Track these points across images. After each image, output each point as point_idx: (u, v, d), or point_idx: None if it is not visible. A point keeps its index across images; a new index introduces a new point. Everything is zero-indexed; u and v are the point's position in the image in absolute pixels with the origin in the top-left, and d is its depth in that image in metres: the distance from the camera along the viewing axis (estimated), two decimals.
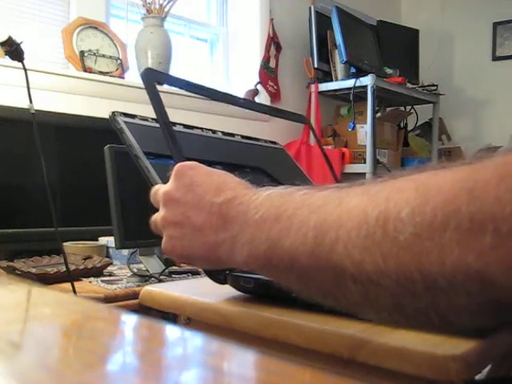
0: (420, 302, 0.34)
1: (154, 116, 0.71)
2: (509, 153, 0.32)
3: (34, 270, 1.15)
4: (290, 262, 0.39)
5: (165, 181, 0.59)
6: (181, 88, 0.69)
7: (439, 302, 0.33)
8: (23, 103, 1.04)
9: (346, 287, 0.36)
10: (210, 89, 0.73)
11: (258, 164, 0.82)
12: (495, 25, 3.35)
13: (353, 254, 0.35)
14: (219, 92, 0.74)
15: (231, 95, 0.76)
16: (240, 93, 2.62)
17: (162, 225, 0.49)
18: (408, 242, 0.33)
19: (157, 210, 0.52)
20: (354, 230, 0.35)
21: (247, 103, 0.78)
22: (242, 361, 0.28)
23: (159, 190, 0.51)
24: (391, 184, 0.36)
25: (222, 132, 0.80)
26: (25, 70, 0.99)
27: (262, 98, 2.67)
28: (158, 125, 0.69)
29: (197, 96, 2.30)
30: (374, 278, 0.34)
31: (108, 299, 1.07)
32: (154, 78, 0.62)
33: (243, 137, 0.84)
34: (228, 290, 0.54)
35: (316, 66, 2.72)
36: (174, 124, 0.73)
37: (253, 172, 0.80)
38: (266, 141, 0.91)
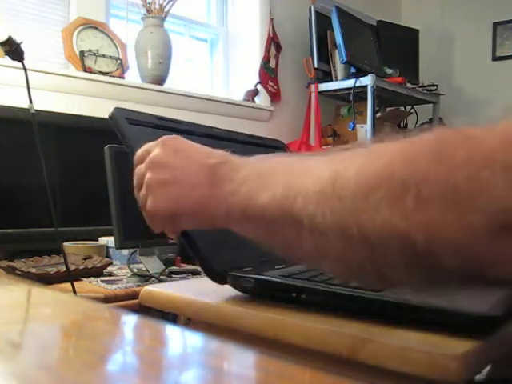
0: (359, 256, 0.37)
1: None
2: (445, 129, 0.36)
3: (34, 270, 1.15)
4: (261, 213, 0.43)
5: None
6: (151, 126, 0.69)
7: (375, 258, 0.36)
8: (23, 103, 1.04)
9: (303, 238, 0.40)
10: (183, 121, 0.73)
11: None
12: (495, 25, 3.35)
13: (308, 207, 0.39)
14: (192, 124, 0.74)
15: (206, 126, 0.76)
16: (240, 93, 2.62)
17: (148, 186, 0.49)
18: (349, 198, 0.36)
19: None
20: (311, 185, 0.39)
21: (223, 133, 0.78)
22: (242, 361, 0.28)
23: (145, 151, 0.52)
24: (351, 151, 0.40)
25: (220, 134, 0.79)
26: (25, 70, 1.00)
27: (262, 98, 2.67)
28: (158, 126, 0.68)
29: (197, 96, 2.30)
30: (323, 230, 0.38)
31: (108, 299, 1.07)
32: (123, 116, 0.63)
33: (243, 140, 0.83)
34: (228, 290, 0.54)
35: (316, 66, 2.72)
36: (178, 122, 0.73)
37: None
38: (266, 139, 0.91)
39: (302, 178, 0.40)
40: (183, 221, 0.49)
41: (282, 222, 0.41)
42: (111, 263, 1.37)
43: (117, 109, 0.64)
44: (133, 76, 2.13)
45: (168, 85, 2.17)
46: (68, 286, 1.01)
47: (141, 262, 1.28)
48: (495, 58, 3.37)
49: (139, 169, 0.52)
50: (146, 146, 0.52)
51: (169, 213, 0.49)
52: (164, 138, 0.51)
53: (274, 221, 0.42)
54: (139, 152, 0.53)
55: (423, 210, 0.33)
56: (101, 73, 1.95)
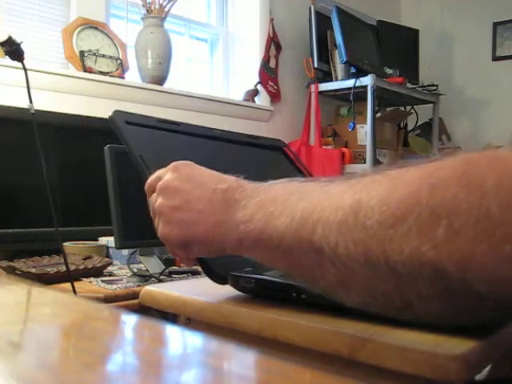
0: (385, 285, 0.37)
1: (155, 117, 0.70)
2: (469, 152, 0.35)
3: (33, 270, 1.15)
4: (278, 241, 0.41)
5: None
6: (152, 128, 0.68)
7: (402, 287, 0.36)
8: (23, 103, 1.04)
9: (325, 268, 0.39)
10: (184, 123, 0.73)
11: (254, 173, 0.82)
12: (495, 25, 3.35)
13: (329, 237, 0.38)
14: (193, 125, 0.74)
15: (207, 128, 0.76)
16: (240, 93, 2.62)
17: (159, 211, 0.48)
18: (374, 228, 0.35)
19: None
20: (331, 214, 0.38)
21: (224, 134, 0.78)
22: (242, 361, 0.28)
23: (156, 177, 0.50)
24: (370, 177, 0.39)
25: (220, 135, 0.79)
26: (25, 70, 0.99)
27: (262, 98, 2.67)
28: (159, 129, 0.68)
29: (197, 96, 2.30)
30: (346, 262, 0.37)
31: (108, 299, 1.07)
32: (123, 119, 0.63)
33: (242, 141, 0.83)
34: (228, 290, 0.54)
35: (316, 66, 2.72)
36: (178, 124, 0.72)
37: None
38: (267, 139, 0.91)
39: (321, 206, 0.39)
40: (195, 248, 0.48)
41: (300, 250, 0.40)
42: (111, 263, 1.36)
43: (116, 112, 0.63)
44: (133, 76, 2.13)
45: (168, 85, 2.17)
46: (68, 285, 1.01)
47: (141, 262, 1.28)
48: (495, 58, 3.37)
49: (152, 198, 0.50)
50: (156, 173, 0.51)
51: (181, 239, 0.47)
52: (176, 163, 0.50)
53: (292, 249, 0.41)
54: (150, 179, 0.52)
55: (455, 240, 0.32)
56: (101, 73, 1.95)
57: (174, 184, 0.48)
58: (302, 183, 0.44)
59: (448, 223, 0.32)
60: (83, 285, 1.17)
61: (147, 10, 2.08)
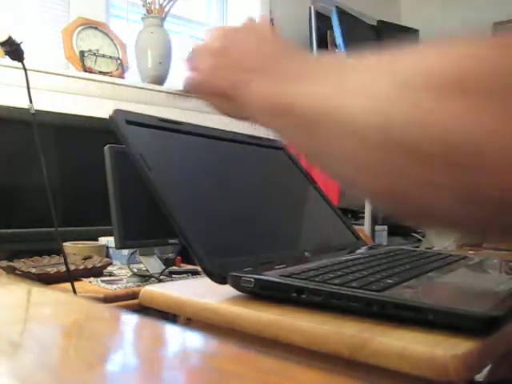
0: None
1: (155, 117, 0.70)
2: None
3: (34, 270, 1.15)
4: (290, 107, 0.40)
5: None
6: (152, 127, 0.68)
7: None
8: (23, 103, 1.04)
9: (345, 139, 0.37)
10: (185, 123, 0.73)
11: (256, 170, 0.82)
12: (495, 25, 3.35)
13: (361, 106, 0.37)
14: (193, 125, 0.74)
15: (207, 127, 0.76)
16: None
17: (209, 53, 0.52)
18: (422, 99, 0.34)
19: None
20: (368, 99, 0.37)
21: (225, 133, 0.79)
22: (242, 361, 0.28)
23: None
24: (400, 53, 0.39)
25: (221, 134, 0.79)
26: (25, 70, 1.00)
27: None
28: (159, 128, 0.68)
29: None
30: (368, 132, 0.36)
31: (108, 299, 1.07)
32: (123, 118, 0.63)
33: (244, 140, 0.84)
34: (228, 290, 0.54)
35: None
36: (180, 123, 0.72)
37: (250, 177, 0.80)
38: (267, 139, 0.91)
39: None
40: (218, 100, 0.53)
41: (320, 121, 0.38)
42: (111, 263, 1.37)
43: (116, 111, 0.63)
44: (133, 76, 2.13)
45: (168, 85, 2.17)
46: (68, 285, 1.01)
47: (141, 262, 1.28)
48: None
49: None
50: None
51: (211, 89, 0.53)
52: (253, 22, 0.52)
53: (314, 122, 0.39)
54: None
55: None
56: (101, 73, 1.95)
57: (238, 34, 0.50)
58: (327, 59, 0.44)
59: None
60: (83, 285, 1.17)
61: (147, 10, 2.08)
